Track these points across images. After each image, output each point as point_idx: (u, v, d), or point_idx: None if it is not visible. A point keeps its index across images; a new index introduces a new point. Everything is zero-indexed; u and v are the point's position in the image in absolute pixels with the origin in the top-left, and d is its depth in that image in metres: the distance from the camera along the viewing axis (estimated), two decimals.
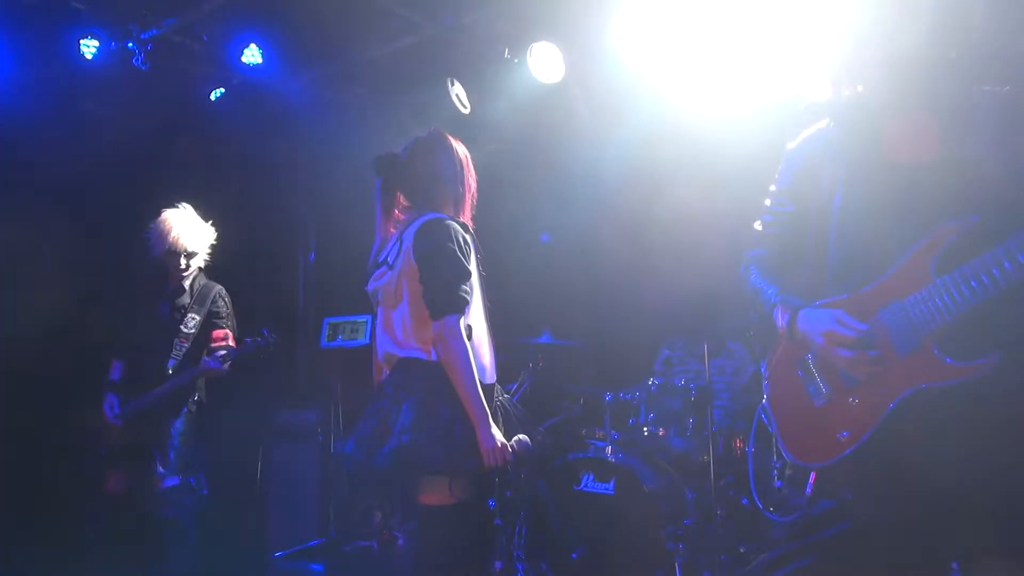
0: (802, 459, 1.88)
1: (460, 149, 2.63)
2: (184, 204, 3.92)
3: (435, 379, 2.38)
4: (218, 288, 3.98)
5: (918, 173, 1.76)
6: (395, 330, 2.48)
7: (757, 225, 2.13)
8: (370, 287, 2.60)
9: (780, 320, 1.93)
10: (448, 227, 2.44)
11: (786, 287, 2.00)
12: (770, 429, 2.00)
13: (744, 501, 4.22)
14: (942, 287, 1.64)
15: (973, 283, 1.58)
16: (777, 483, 3.78)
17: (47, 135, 4.82)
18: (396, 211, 2.63)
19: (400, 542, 5.21)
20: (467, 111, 4.69)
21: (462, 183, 2.60)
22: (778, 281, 2.02)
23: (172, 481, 3.61)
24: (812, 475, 1.90)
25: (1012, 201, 1.60)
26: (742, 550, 4.01)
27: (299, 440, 5.36)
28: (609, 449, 4.14)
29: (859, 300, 1.80)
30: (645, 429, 4.24)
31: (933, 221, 1.69)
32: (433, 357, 2.40)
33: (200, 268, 3.95)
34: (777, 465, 3.75)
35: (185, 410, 3.75)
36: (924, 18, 1.69)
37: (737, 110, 4.60)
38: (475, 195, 2.65)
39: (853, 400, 1.78)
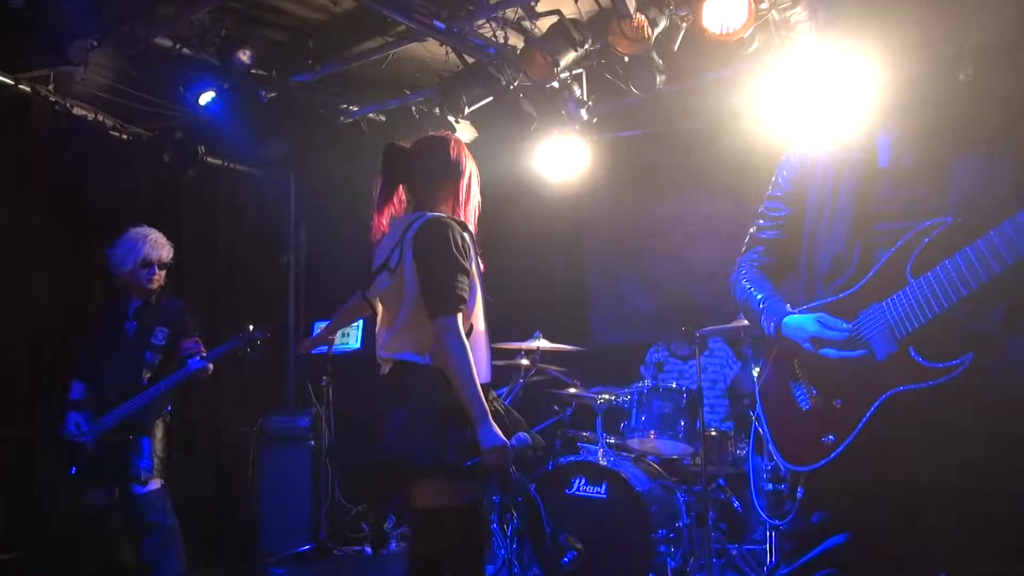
0: (792, 462, 1.89)
1: (467, 156, 2.66)
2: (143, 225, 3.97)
3: (428, 382, 2.38)
4: (182, 303, 4.05)
5: (902, 177, 1.79)
6: (393, 333, 2.49)
7: (752, 229, 2.15)
8: (373, 293, 2.60)
9: (767, 326, 1.96)
10: (446, 225, 2.44)
11: (775, 292, 2.02)
12: (762, 432, 2.02)
13: (735, 504, 4.24)
14: (917, 289, 1.66)
15: (946, 284, 1.61)
16: (767, 486, 3.83)
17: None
18: (394, 203, 2.64)
19: (392, 546, 5.20)
20: (461, 112, 4.69)
21: (464, 188, 2.61)
22: (767, 287, 2.04)
23: (153, 485, 3.67)
24: (802, 478, 1.91)
25: (987, 202, 1.63)
26: (734, 552, 4.02)
27: (290, 445, 5.35)
28: (600, 452, 4.14)
29: (841, 304, 1.82)
30: (636, 432, 4.25)
31: (914, 224, 1.71)
32: (427, 361, 2.41)
33: (162, 285, 3.96)
34: (768, 467, 3.78)
35: (160, 419, 3.81)
36: (914, 19, 1.71)
37: (728, 116, 4.63)
38: (479, 206, 2.67)
39: (837, 404, 1.79)
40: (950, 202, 1.68)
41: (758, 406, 2.05)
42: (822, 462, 1.78)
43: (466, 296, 2.41)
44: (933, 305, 1.62)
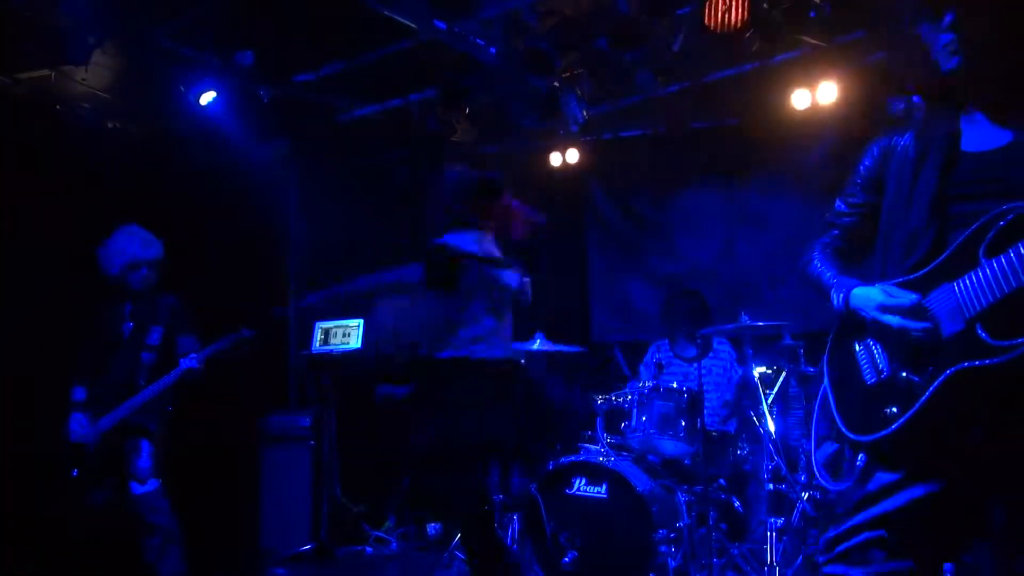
0: (855, 432, 1.95)
1: (483, 181, 3.10)
2: (131, 224, 3.95)
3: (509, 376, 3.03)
4: (175, 299, 4.01)
5: (983, 160, 1.85)
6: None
7: (828, 214, 2.23)
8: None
9: (836, 300, 2.03)
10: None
11: (845, 271, 2.10)
12: (829, 404, 2.08)
13: (736, 504, 4.24)
14: (989, 269, 1.70)
15: (1018, 265, 1.64)
16: (768, 487, 3.87)
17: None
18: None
19: (393, 546, 5.20)
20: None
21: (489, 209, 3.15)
22: (838, 265, 2.13)
23: (153, 485, 3.69)
24: (863, 447, 1.97)
25: None
26: (734, 552, 4.02)
27: (290, 445, 5.35)
28: (601, 453, 4.14)
29: (914, 284, 1.88)
30: (637, 432, 4.25)
31: (990, 207, 1.76)
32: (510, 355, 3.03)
33: (156, 283, 3.93)
34: (769, 468, 3.83)
35: (160, 418, 3.80)
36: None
37: (729, 116, 4.64)
38: (512, 211, 3.24)
39: (901, 377, 1.85)
40: None
41: (825, 380, 2.10)
42: (884, 432, 1.84)
43: None
44: (1003, 285, 1.66)
